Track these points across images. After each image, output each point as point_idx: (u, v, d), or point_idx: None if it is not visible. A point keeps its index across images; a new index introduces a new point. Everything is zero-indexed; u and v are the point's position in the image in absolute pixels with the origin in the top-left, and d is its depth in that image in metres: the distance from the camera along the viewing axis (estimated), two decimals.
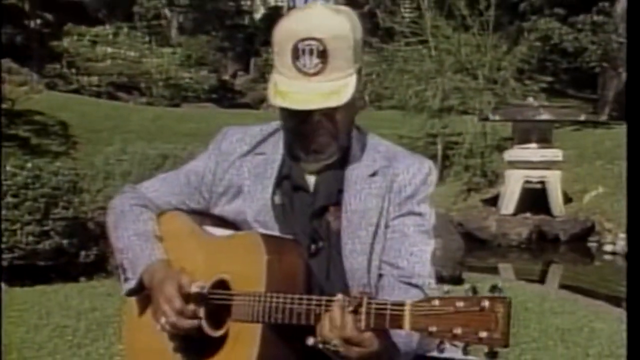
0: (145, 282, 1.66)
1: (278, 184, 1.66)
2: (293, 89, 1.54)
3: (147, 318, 1.69)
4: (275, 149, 1.69)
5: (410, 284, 1.58)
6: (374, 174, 1.65)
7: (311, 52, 1.52)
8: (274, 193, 1.65)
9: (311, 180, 1.66)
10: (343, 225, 1.61)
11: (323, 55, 1.52)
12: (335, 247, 1.62)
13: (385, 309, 1.32)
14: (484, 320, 1.21)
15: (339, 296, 1.38)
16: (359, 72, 1.59)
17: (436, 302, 1.26)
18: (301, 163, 1.66)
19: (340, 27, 1.55)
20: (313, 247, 1.62)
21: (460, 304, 1.24)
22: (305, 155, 1.63)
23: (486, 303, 1.21)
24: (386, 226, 1.62)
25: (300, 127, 1.60)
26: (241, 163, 1.70)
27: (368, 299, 1.35)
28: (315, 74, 1.53)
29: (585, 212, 10.71)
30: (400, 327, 1.30)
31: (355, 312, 1.35)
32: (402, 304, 1.30)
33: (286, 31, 1.56)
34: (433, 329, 1.25)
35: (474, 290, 1.25)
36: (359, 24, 1.60)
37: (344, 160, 1.66)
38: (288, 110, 1.58)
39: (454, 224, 9.97)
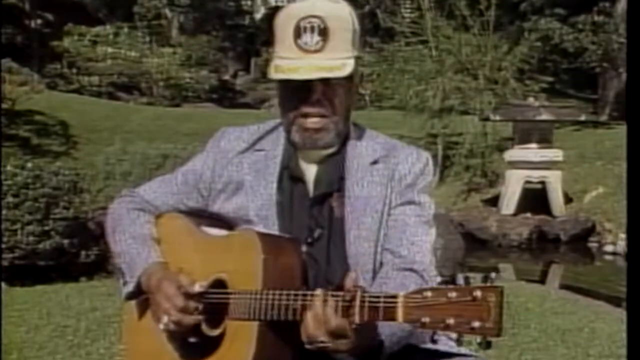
0: (143, 285, 1.67)
1: (280, 179, 1.67)
2: (293, 65, 1.57)
3: (146, 321, 1.69)
4: (275, 145, 1.70)
5: (411, 269, 1.60)
6: (375, 162, 1.67)
7: (312, 29, 1.56)
8: (277, 188, 1.67)
9: (312, 170, 1.68)
10: (347, 211, 1.63)
11: (324, 33, 1.56)
12: (338, 233, 1.63)
13: (378, 301, 1.32)
14: (477, 310, 1.21)
15: (318, 291, 1.39)
16: (356, 61, 1.62)
17: (428, 293, 1.26)
18: (300, 152, 1.67)
19: (340, 9, 1.61)
20: (311, 236, 1.63)
21: (452, 294, 1.24)
22: (302, 139, 1.63)
23: (478, 293, 1.21)
24: (388, 214, 1.64)
25: (300, 105, 1.61)
26: (240, 160, 1.71)
27: (362, 292, 1.35)
28: (315, 51, 1.57)
29: (586, 213, 10.71)
30: (393, 319, 1.30)
31: (349, 306, 1.35)
32: (394, 296, 1.30)
33: (288, 13, 1.61)
34: (426, 320, 1.25)
35: (467, 280, 1.25)
36: (357, 18, 1.65)
37: (343, 150, 1.68)
38: (288, 88, 1.61)
39: (455, 224, 10.00)
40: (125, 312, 1.79)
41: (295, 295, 1.44)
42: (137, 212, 1.77)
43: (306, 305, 1.41)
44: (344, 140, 1.68)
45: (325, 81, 1.58)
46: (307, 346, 1.40)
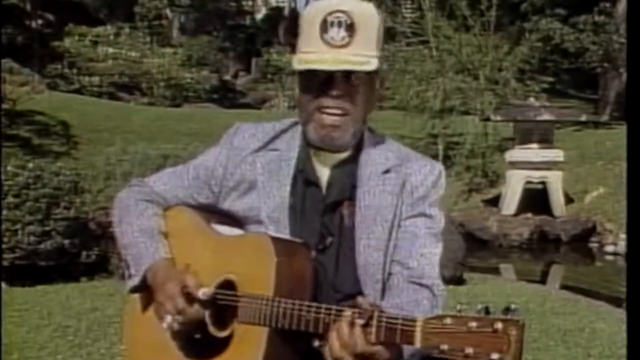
0: (149, 280, 1.65)
1: (294, 182, 1.66)
2: (319, 58, 1.56)
3: (150, 314, 1.68)
4: (290, 146, 1.68)
5: (420, 284, 1.59)
6: (387, 171, 1.65)
7: (339, 24, 1.55)
8: (291, 191, 1.65)
9: (325, 174, 1.66)
10: (357, 220, 1.62)
11: (350, 28, 1.55)
12: (348, 241, 1.62)
13: (396, 323, 1.31)
14: (497, 342, 1.20)
15: (347, 312, 1.38)
16: (380, 60, 1.60)
17: (448, 321, 1.25)
18: (315, 155, 1.65)
19: (367, 7, 1.60)
20: (322, 243, 1.62)
21: (472, 324, 1.23)
22: (319, 136, 1.61)
23: (499, 325, 1.21)
24: (398, 225, 1.63)
25: (321, 98, 1.59)
26: (254, 158, 1.69)
27: (379, 312, 1.35)
28: (341, 46, 1.55)
29: (587, 213, 10.72)
30: (411, 343, 1.29)
31: (367, 325, 1.34)
32: (413, 320, 1.29)
33: (316, 7, 1.59)
34: (444, 347, 1.24)
35: (487, 310, 1.24)
36: (382, 20, 1.64)
37: (357, 156, 1.66)
38: (309, 81, 1.59)
39: (455, 225, 9.99)
40: (128, 306, 1.78)
41: (309, 306, 1.43)
42: (146, 203, 1.75)
43: (319, 318, 1.41)
44: (358, 145, 1.66)
45: (348, 78, 1.57)
46: None
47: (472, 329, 1.22)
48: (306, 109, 1.62)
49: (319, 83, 1.58)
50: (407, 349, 1.43)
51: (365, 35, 1.57)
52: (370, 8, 1.60)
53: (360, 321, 1.34)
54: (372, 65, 1.56)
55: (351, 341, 1.35)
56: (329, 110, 1.59)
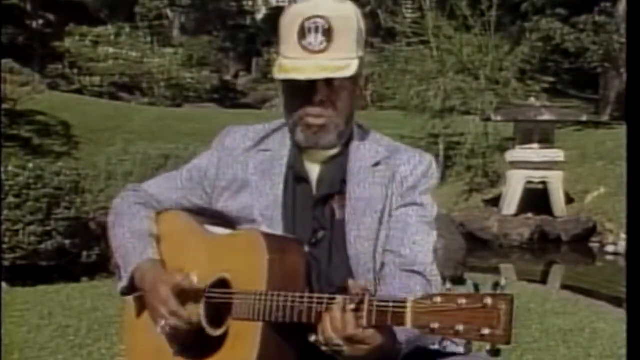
0: (136, 281, 1.66)
1: (286, 180, 1.68)
2: (298, 65, 1.57)
3: (145, 318, 1.68)
4: (281, 146, 1.70)
5: (412, 271, 1.60)
6: (376, 164, 1.67)
7: (317, 29, 1.56)
8: (284, 189, 1.67)
9: (315, 171, 1.68)
10: (348, 212, 1.63)
11: (328, 33, 1.56)
12: (340, 234, 1.63)
13: (387, 306, 1.32)
14: (487, 317, 1.21)
15: (339, 297, 1.39)
16: (361, 61, 1.62)
17: (438, 299, 1.26)
18: (304, 152, 1.67)
19: (345, 9, 1.61)
20: (315, 237, 1.63)
21: (462, 301, 1.23)
22: (305, 138, 1.63)
23: (489, 300, 1.21)
24: (389, 215, 1.65)
25: (304, 106, 1.61)
26: (246, 158, 1.71)
27: (370, 296, 1.36)
28: (320, 52, 1.57)
29: (587, 213, 10.71)
30: (402, 324, 1.30)
31: (357, 309, 1.35)
32: (404, 301, 1.30)
33: (293, 13, 1.61)
34: (435, 325, 1.25)
35: (476, 287, 1.25)
36: (362, 18, 1.65)
37: (346, 152, 1.68)
38: (292, 88, 1.61)
39: (456, 225, 9.98)
40: (125, 311, 1.79)
41: (301, 297, 1.43)
42: (139, 206, 1.77)
43: (312, 307, 1.42)
44: (347, 141, 1.69)
45: (329, 83, 1.59)
46: (324, 348, 1.40)
47: (462, 306, 1.23)
48: (291, 115, 1.65)
49: (300, 91, 1.60)
50: (402, 338, 1.44)
51: (344, 38, 1.58)
52: (348, 9, 1.61)
53: (351, 306, 1.35)
54: (352, 69, 1.57)
55: (342, 324, 1.36)
56: (312, 116, 1.61)
